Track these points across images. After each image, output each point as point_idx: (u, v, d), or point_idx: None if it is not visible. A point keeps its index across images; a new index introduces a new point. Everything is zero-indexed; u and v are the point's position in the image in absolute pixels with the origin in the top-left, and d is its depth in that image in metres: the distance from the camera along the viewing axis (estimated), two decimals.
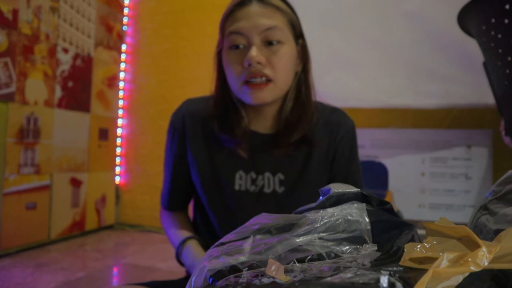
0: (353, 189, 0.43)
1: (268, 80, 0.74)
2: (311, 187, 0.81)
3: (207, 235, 0.86)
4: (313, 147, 0.82)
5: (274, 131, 0.83)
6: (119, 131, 2.92)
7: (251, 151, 0.81)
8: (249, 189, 0.81)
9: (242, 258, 0.37)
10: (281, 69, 0.74)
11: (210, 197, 0.83)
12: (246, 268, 0.36)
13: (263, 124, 0.83)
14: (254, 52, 0.72)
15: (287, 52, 0.75)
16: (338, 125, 0.85)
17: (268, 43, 0.73)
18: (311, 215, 0.40)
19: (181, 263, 0.81)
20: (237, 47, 0.74)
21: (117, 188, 2.91)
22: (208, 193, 0.83)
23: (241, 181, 0.81)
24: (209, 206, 0.84)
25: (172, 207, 0.90)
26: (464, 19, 1.34)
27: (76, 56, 2.53)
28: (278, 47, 0.74)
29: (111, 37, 2.84)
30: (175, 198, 0.89)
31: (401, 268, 0.30)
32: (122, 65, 2.95)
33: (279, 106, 0.81)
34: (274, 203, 0.81)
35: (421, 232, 0.39)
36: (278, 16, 0.75)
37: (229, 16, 0.76)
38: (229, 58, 0.76)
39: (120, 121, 2.92)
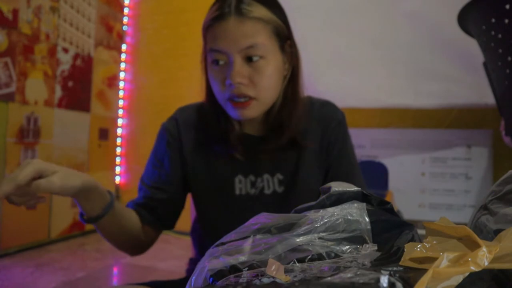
0: (354, 188, 0.43)
1: (251, 98, 0.73)
2: (309, 183, 0.81)
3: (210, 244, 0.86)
4: (305, 146, 0.81)
5: (266, 133, 0.83)
6: (119, 131, 2.92)
7: (248, 154, 0.81)
8: (249, 192, 0.81)
9: (242, 258, 0.37)
10: (264, 87, 0.73)
11: (211, 205, 0.83)
12: (246, 268, 0.36)
13: (255, 127, 0.83)
14: (234, 72, 0.70)
15: (270, 66, 0.73)
16: (329, 118, 0.85)
17: (250, 58, 0.71)
18: (311, 214, 0.40)
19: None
20: (218, 62, 0.73)
21: (117, 188, 2.91)
22: (210, 201, 0.83)
23: (241, 185, 0.81)
24: (211, 214, 0.83)
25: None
26: (464, 19, 1.34)
27: (76, 56, 2.53)
28: (260, 63, 0.72)
29: (111, 37, 2.84)
30: (150, 204, 0.81)
31: (401, 268, 0.30)
32: (122, 65, 2.95)
33: (268, 110, 0.81)
34: (275, 203, 0.81)
35: (421, 232, 0.39)
36: (259, 28, 0.71)
37: (208, 28, 0.74)
38: (211, 73, 0.75)
39: (120, 121, 2.92)
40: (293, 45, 0.80)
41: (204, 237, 0.88)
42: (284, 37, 0.77)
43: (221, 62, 0.73)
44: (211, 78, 0.76)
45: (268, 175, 0.81)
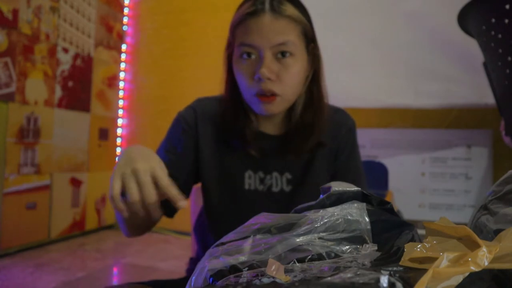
0: (354, 188, 0.43)
1: (276, 95, 0.75)
2: (317, 185, 0.82)
3: (216, 238, 0.86)
4: (326, 146, 0.84)
5: (282, 132, 0.84)
6: (119, 131, 2.92)
7: (260, 152, 0.83)
8: (258, 188, 0.83)
9: (242, 258, 0.37)
10: (290, 85, 0.75)
11: (220, 196, 0.84)
12: (246, 268, 0.36)
13: (271, 126, 0.84)
14: (264, 68, 0.72)
15: (297, 65, 0.75)
16: (340, 125, 0.87)
17: (283, 53, 0.74)
18: (311, 214, 0.40)
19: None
20: (248, 55, 0.74)
21: None
22: (219, 193, 0.84)
23: (250, 180, 0.83)
24: (219, 206, 0.84)
25: None
26: (464, 19, 1.34)
27: (76, 56, 2.53)
28: (289, 60, 0.74)
29: (111, 37, 2.84)
30: None
31: (401, 268, 0.30)
32: (122, 65, 2.95)
33: (288, 110, 0.82)
34: (282, 201, 0.82)
35: (421, 232, 0.39)
36: (291, 28, 0.74)
37: (240, 23, 0.75)
38: (239, 67, 0.76)
39: (120, 121, 2.92)
40: (316, 48, 0.82)
41: (209, 231, 0.88)
42: (310, 39, 0.79)
43: (252, 57, 0.74)
44: (238, 73, 0.77)
45: (277, 173, 0.83)
